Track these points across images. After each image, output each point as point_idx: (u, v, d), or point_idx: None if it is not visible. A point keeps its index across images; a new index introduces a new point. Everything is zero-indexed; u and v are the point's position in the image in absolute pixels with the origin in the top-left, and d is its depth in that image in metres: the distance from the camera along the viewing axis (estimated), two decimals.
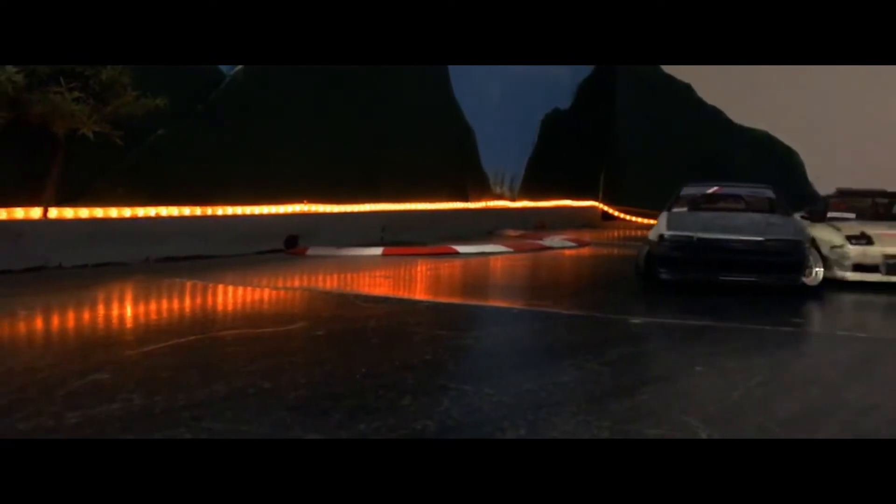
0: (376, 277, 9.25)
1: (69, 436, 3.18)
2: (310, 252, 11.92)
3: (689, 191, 9.88)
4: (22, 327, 5.78)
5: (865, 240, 8.56)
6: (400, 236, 13.48)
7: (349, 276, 9.43)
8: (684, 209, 9.26)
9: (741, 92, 18.57)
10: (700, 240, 7.67)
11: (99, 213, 9.76)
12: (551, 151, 18.54)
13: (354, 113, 13.46)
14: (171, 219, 10.63)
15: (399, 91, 14.48)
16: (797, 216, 11.33)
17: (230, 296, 7.79)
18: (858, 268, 8.51)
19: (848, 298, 8.35)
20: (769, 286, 7.75)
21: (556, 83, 18.60)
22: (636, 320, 6.50)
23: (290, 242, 12.29)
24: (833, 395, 4.34)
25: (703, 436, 3.41)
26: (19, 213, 8.92)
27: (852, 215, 9.96)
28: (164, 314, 6.60)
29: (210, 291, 7.86)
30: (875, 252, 8.48)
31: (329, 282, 9.02)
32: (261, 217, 12.08)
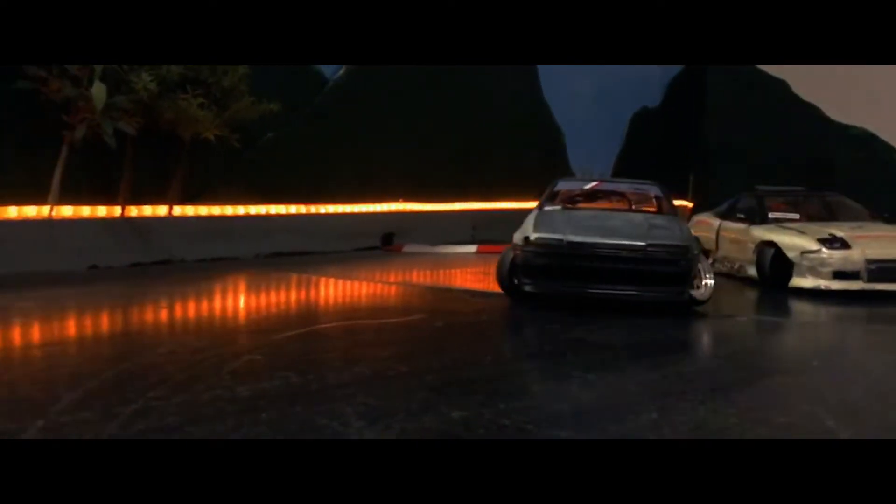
0: (476, 273, 9.55)
1: (245, 406, 3.59)
2: (405, 249, 12.35)
3: (564, 186, 8.43)
4: (168, 314, 6.35)
5: (840, 243, 7.62)
6: (488, 234, 13.77)
7: (450, 271, 9.78)
8: (558, 207, 7.73)
9: (840, 88, 17.97)
10: (571, 244, 6.29)
11: (216, 211, 10.45)
12: (640, 150, 18.45)
13: (446, 113, 13.84)
14: (279, 217, 11.26)
15: (489, 91, 14.76)
16: (706, 216, 10.29)
17: (345, 289, 8.23)
18: (838, 275, 7.54)
19: None
20: (650, 301, 6.44)
21: (646, 81, 18.48)
22: (742, 318, 6.59)
23: (386, 240, 12.77)
24: None
25: (831, 425, 3.52)
26: (148, 210, 9.67)
27: (796, 215, 9.05)
28: (292, 304, 7.12)
29: (324, 285, 8.33)
30: (856, 257, 7.51)
31: (433, 277, 9.37)
32: (359, 215, 12.61)
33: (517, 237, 6.66)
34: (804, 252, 7.69)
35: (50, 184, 8.45)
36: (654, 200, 8.29)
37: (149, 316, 6.28)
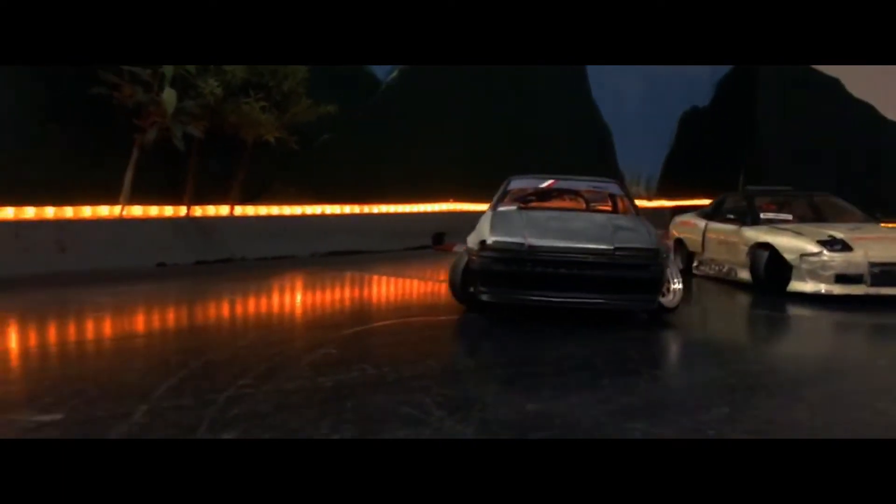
0: None
1: (329, 395, 3.78)
2: (456, 248, 12.50)
3: (518, 184, 7.63)
4: (237, 310, 6.62)
5: (841, 245, 7.25)
6: None
7: None
8: (513, 207, 7.10)
9: (894, 87, 17.59)
10: (532, 248, 5.69)
11: (274, 211, 10.76)
12: (689, 149, 18.33)
13: (496, 114, 13.97)
14: (334, 216, 11.53)
15: (538, 91, 14.86)
16: (690, 217, 9.87)
17: (399, 287, 8.43)
18: (841, 279, 7.17)
19: None
20: (617, 310, 6.00)
21: (695, 81, 18.37)
22: (807, 313, 6.68)
23: (437, 239, 12.91)
24: None
25: None
26: (212, 210, 10.02)
27: (789, 216, 8.69)
28: (351, 301, 7.35)
29: (378, 283, 8.54)
30: (859, 259, 7.13)
31: None
32: (411, 215, 12.81)
33: (471, 241, 6.03)
34: (804, 255, 7.34)
35: (121, 185, 8.83)
36: (612, 199, 7.71)
37: (220, 311, 6.56)
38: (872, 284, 7.09)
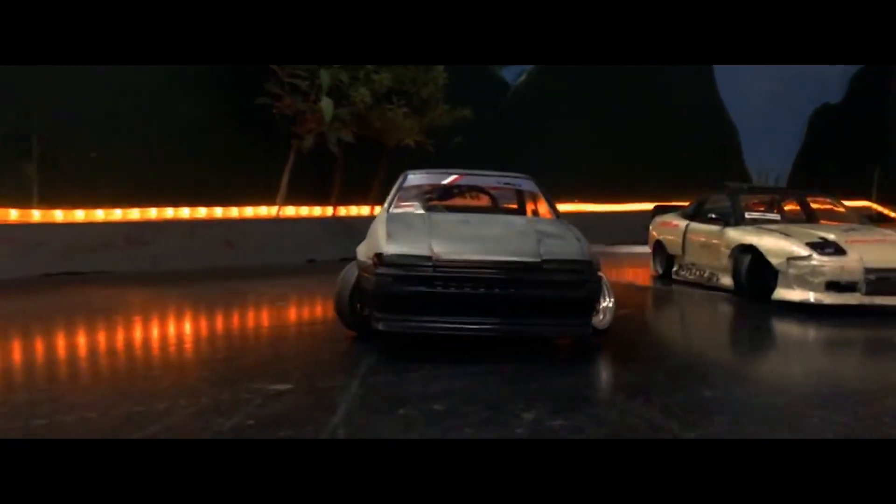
0: (647, 269, 9.66)
1: (513, 378, 4.14)
2: None
3: (416, 180, 6.21)
4: None
5: (833, 248, 6.39)
6: None
7: (623, 269, 10.01)
8: (410, 208, 5.89)
9: None
10: (441, 263, 4.42)
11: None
12: (820, 148, 17.68)
13: (621, 114, 14.04)
14: None
15: (663, 90, 14.79)
16: (670, 217, 8.97)
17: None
18: (832, 286, 6.26)
19: None
20: (544, 337, 4.91)
21: (826, 78, 17.70)
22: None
23: None
24: None
25: None
26: (354, 210, 10.70)
27: (776, 216, 7.92)
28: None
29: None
30: (853, 265, 6.25)
31: (623, 275, 9.64)
32: None
33: (363, 252, 4.80)
34: (791, 258, 6.43)
35: (278, 187, 9.61)
36: (523, 197, 6.58)
37: None
38: (868, 293, 6.19)
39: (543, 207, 6.13)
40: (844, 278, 6.21)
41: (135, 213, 8.96)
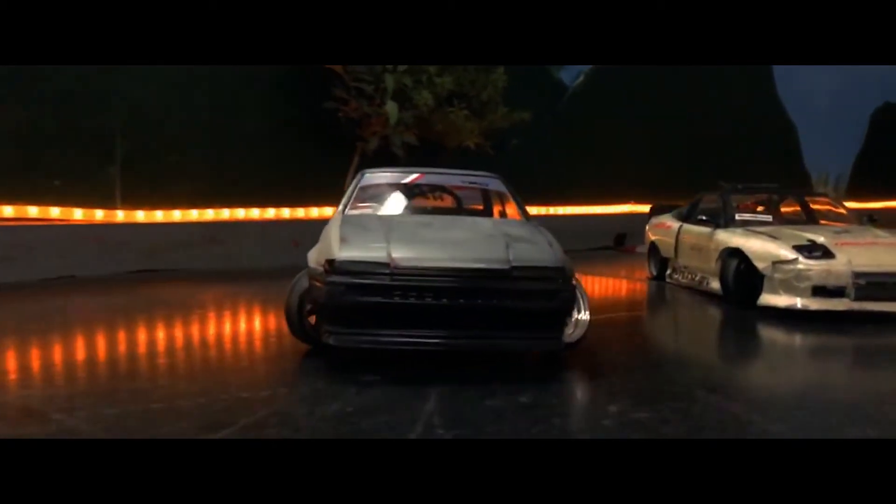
0: None
1: (622, 370, 4.31)
2: (639, 250, 12.70)
3: (374, 179, 5.74)
4: None
5: (821, 251, 6.04)
6: None
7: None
8: (368, 209, 5.52)
9: None
10: (399, 269, 4.01)
11: None
12: (882, 149, 17.28)
13: (678, 115, 14.02)
14: None
15: (721, 90, 14.71)
16: (665, 218, 8.57)
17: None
18: (819, 291, 5.93)
19: None
20: (512, 352, 4.49)
21: (889, 77, 17.28)
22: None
23: (618, 240, 13.21)
24: None
25: None
26: None
27: (768, 217, 7.58)
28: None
29: (594, 282, 8.90)
30: (841, 269, 5.89)
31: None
32: (593, 216, 13.19)
33: (313, 258, 4.40)
34: (776, 262, 6.11)
35: (343, 187, 9.91)
36: (489, 198, 6.09)
37: None
38: (857, 298, 5.84)
39: (512, 209, 5.65)
40: (831, 283, 5.89)
41: (209, 214, 9.36)
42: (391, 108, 9.19)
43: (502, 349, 4.29)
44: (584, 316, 4.60)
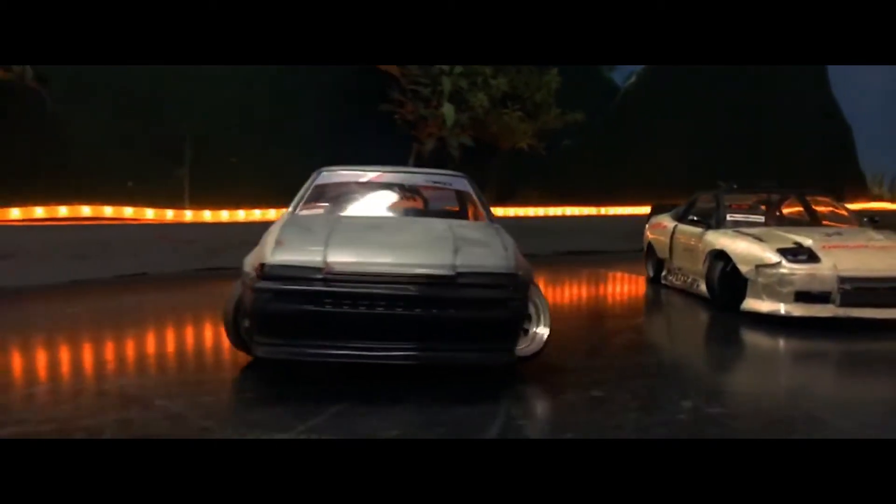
0: None
1: (667, 372, 4.40)
2: None
3: (330, 178, 5.43)
4: None
5: (807, 255, 5.73)
6: None
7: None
8: (320, 210, 5.22)
9: None
10: (332, 274, 3.71)
11: (521, 212, 11.65)
12: None
13: (730, 115, 13.90)
14: (573, 218, 12.23)
15: (774, 89, 14.53)
16: (663, 218, 8.25)
17: (610, 285, 8.84)
18: (803, 297, 5.61)
19: None
20: (459, 366, 4.01)
21: None
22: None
23: None
24: None
25: None
26: None
27: (760, 218, 7.35)
28: (620, 297, 8.00)
29: (628, 281, 9.00)
30: (825, 273, 5.56)
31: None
32: (641, 217, 13.15)
33: (248, 262, 4.02)
34: (760, 265, 5.85)
35: None
36: (460, 199, 5.63)
37: None
38: (842, 304, 5.51)
39: (474, 209, 5.36)
40: (816, 288, 5.57)
41: (272, 214, 9.66)
42: (448, 110, 9.36)
43: (447, 363, 3.84)
44: (542, 329, 4.20)
